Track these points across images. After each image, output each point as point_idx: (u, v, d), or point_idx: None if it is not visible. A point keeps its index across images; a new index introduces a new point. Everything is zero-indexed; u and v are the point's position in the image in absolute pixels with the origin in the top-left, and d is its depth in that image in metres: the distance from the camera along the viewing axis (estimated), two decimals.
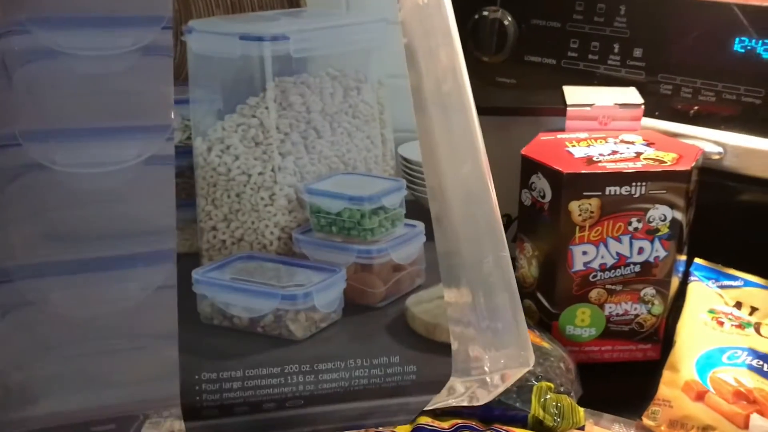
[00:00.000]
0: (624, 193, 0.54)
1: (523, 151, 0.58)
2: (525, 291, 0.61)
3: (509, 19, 0.71)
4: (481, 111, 0.66)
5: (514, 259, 0.61)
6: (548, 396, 0.48)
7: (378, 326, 0.37)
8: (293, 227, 0.37)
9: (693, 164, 0.55)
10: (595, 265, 0.57)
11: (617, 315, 0.58)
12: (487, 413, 0.48)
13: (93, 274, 0.34)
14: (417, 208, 0.39)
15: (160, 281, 0.34)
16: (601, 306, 0.58)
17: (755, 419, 0.50)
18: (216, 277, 0.35)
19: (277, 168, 0.37)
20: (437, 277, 0.38)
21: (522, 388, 0.48)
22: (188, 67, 0.37)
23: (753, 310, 0.60)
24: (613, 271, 0.57)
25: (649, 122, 0.65)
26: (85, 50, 0.35)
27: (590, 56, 0.68)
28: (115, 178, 0.34)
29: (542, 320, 0.59)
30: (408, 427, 0.47)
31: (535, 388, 0.48)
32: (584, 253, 0.56)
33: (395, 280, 0.38)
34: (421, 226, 0.39)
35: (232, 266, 0.36)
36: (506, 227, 0.71)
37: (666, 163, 0.55)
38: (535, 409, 0.47)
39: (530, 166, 0.57)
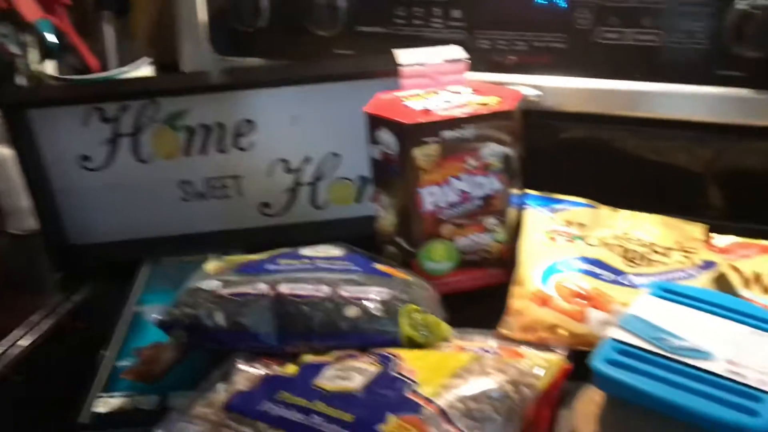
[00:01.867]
0: (459, 136, 0.61)
1: (366, 108, 0.63)
2: (385, 238, 0.67)
3: None
4: (322, 79, 0.71)
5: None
6: (415, 316, 0.53)
7: None
8: None
9: (514, 104, 0.63)
10: (443, 203, 0.63)
11: (468, 246, 0.65)
12: (363, 341, 0.52)
13: None
14: None
15: None
16: (453, 240, 0.64)
17: (591, 312, 0.58)
18: None
19: None
20: None
21: (392, 314, 0.53)
22: None
23: (581, 226, 0.69)
24: (458, 207, 0.63)
25: (473, 76, 0.73)
26: None
27: (415, 21, 0.75)
28: None
29: (404, 261, 0.65)
30: (295, 368, 0.51)
31: (403, 312, 0.53)
32: (431, 194, 0.62)
33: None
34: None
35: None
36: (363, 188, 0.76)
37: (491, 105, 0.62)
38: (405, 329, 0.52)
39: (375, 122, 0.62)
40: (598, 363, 0.45)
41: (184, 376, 0.57)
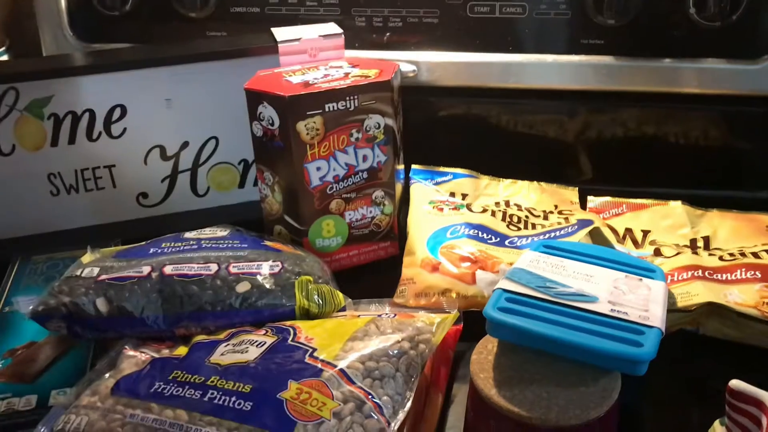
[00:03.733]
0: (341, 107, 0.61)
1: (246, 85, 0.62)
2: (273, 218, 0.66)
3: None
4: (197, 58, 0.69)
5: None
6: (309, 287, 0.52)
7: None
8: None
9: (392, 75, 0.63)
10: (330, 177, 0.62)
11: (357, 220, 0.65)
12: (257, 316, 0.51)
13: None
14: None
15: None
16: (342, 215, 0.64)
17: (480, 274, 0.59)
18: None
19: None
20: None
21: (285, 287, 0.52)
22: None
23: (464, 195, 0.71)
24: (345, 180, 0.63)
25: (351, 54, 0.73)
26: None
27: (290, 1, 0.74)
28: None
29: (294, 240, 0.64)
30: (185, 349, 0.49)
31: (297, 283, 0.52)
32: (318, 168, 0.62)
33: None
34: None
35: None
36: (245, 172, 0.74)
37: (370, 77, 0.62)
38: (300, 301, 0.51)
39: (255, 98, 0.61)
40: (489, 310, 0.46)
41: (65, 374, 0.53)
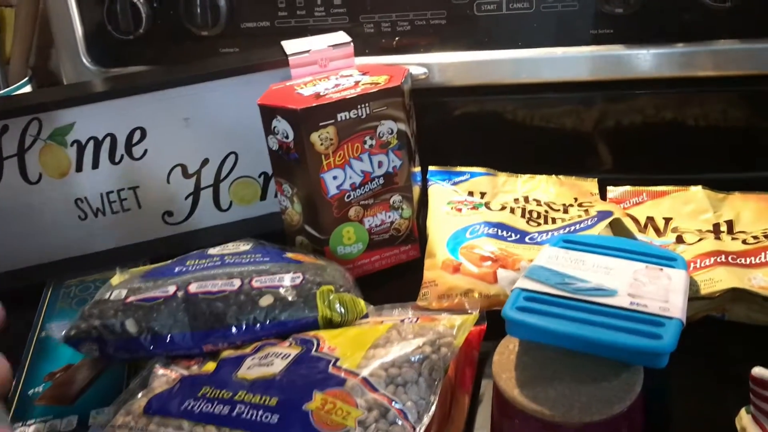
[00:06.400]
0: (353, 116, 0.61)
1: (259, 100, 0.63)
2: (294, 229, 0.67)
3: None
4: (211, 76, 0.70)
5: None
6: (331, 297, 0.53)
7: None
8: None
9: (402, 80, 0.64)
10: (347, 186, 0.63)
11: (376, 226, 0.66)
12: (281, 328, 0.52)
13: None
14: None
15: None
16: (361, 221, 0.65)
17: (501, 272, 0.59)
18: None
19: None
20: None
21: (307, 297, 0.53)
22: None
23: (482, 194, 0.71)
24: (362, 188, 0.64)
25: (361, 60, 0.73)
26: None
27: (298, 12, 0.75)
28: None
29: (316, 249, 0.65)
30: (213, 364, 0.50)
31: (318, 293, 0.53)
32: (334, 177, 0.63)
33: None
34: None
35: None
36: (266, 184, 0.75)
37: (381, 83, 0.63)
38: (322, 311, 0.52)
39: (268, 113, 0.62)
40: (508, 311, 0.46)
41: (103, 393, 0.55)
